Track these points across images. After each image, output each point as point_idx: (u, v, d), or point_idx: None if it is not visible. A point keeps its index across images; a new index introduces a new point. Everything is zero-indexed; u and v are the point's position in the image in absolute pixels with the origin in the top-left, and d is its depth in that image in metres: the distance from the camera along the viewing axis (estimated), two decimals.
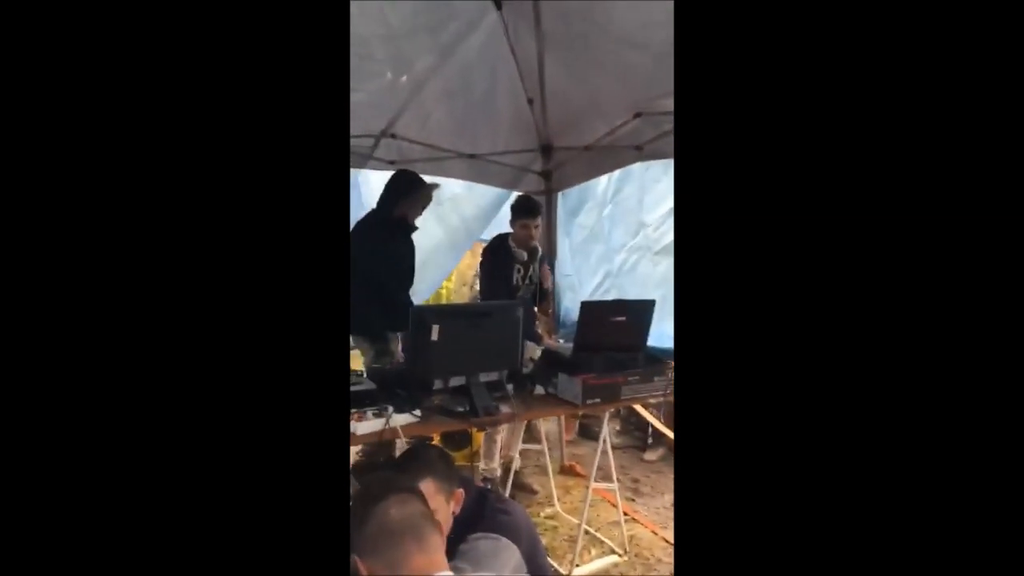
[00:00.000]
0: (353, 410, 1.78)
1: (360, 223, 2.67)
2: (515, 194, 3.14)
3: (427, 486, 1.32)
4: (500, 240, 2.99)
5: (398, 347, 2.71)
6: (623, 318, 2.28)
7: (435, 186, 2.71)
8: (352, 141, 2.88)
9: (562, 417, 3.65)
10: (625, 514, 2.85)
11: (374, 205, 2.74)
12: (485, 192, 3.43)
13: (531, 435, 3.67)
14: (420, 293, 3.31)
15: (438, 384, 1.94)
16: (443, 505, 1.38)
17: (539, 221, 2.87)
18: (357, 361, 2.68)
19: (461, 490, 1.46)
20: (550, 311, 3.64)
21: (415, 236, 2.77)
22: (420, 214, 2.71)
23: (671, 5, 0.76)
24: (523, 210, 2.87)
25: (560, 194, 3.54)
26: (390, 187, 2.67)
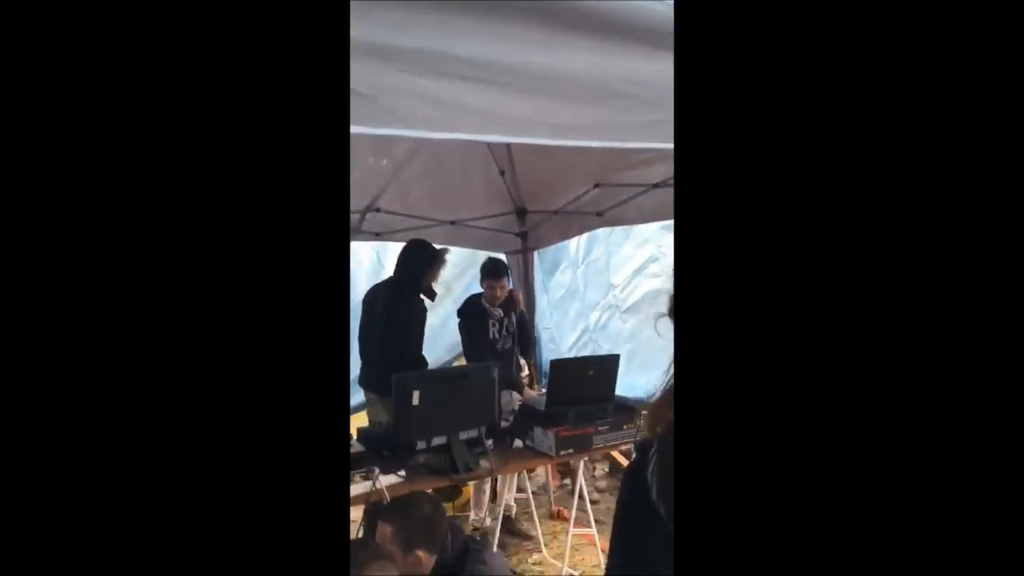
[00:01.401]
0: None
1: (378, 290, 2.91)
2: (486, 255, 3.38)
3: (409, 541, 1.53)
4: (471, 301, 3.20)
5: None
6: (591, 372, 2.50)
7: (446, 251, 2.93)
8: None
9: (549, 466, 3.81)
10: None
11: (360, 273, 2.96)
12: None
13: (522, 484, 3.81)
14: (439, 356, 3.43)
15: (421, 444, 2.14)
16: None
17: (504, 281, 3.10)
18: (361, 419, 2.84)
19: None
20: (532, 361, 3.85)
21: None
22: (437, 279, 2.93)
23: (619, 100, 0.94)
24: (488, 272, 3.10)
25: (536, 253, 3.80)
26: (408, 256, 2.88)
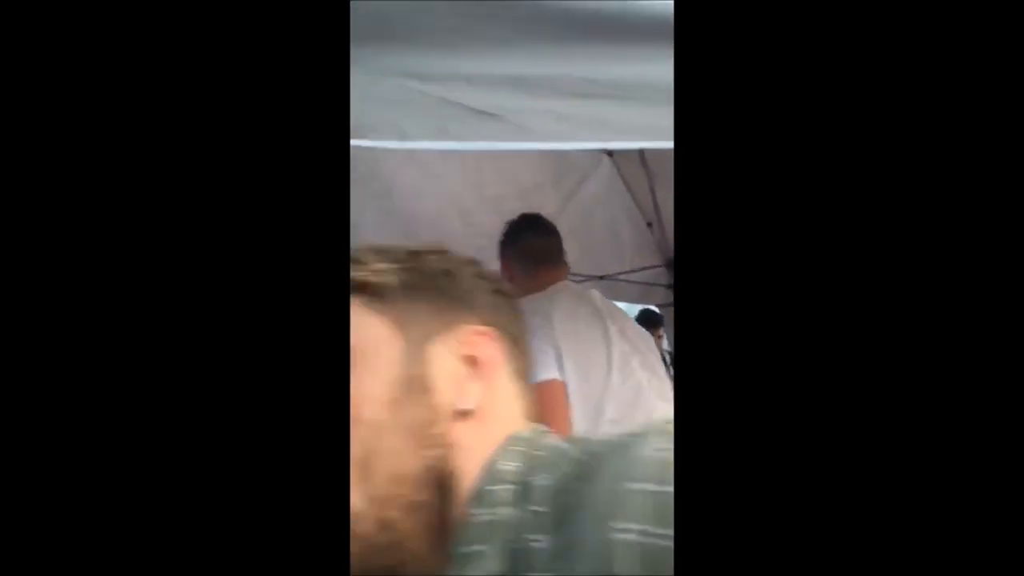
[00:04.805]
0: None
1: None
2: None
3: None
4: None
5: None
6: None
7: None
8: None
9: None
10: None
11: None
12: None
13: None
14: None
15: None
16: None
17: (661, 331, 3.00)
18: None
19: None
20: None
21: None
22: None
23: None
24: (643, 324, 3.02)
25: None
26: None
